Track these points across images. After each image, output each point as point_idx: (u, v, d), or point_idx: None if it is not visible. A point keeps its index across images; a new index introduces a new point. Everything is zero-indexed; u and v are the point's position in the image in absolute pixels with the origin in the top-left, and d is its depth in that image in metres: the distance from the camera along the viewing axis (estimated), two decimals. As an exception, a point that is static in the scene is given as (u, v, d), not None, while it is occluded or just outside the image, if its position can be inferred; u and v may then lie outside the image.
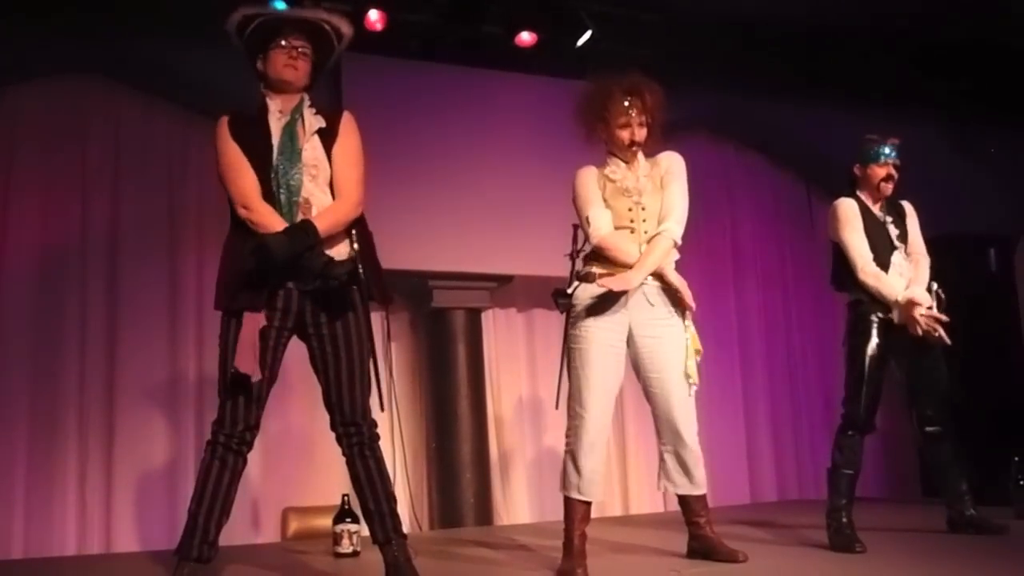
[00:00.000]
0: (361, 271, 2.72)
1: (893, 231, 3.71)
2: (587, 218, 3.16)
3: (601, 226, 3.13)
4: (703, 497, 3.24)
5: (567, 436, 3.10)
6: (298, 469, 5.22)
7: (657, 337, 3.13)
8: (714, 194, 6.40)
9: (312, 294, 2.72)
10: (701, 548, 3.23)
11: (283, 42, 2.79)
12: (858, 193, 3.75)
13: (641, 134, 3.18)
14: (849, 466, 3.55)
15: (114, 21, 4.88)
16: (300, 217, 2.70)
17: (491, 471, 5.60)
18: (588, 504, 3.08)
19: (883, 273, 3.59)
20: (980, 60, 6.15)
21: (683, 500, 3.24)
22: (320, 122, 2.81)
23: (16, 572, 4.02)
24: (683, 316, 3.18)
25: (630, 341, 3.15)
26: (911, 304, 3.48)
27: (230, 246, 2.78)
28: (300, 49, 2.80)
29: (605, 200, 3.17)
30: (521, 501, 5.78)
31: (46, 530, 4.78)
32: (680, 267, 3.26)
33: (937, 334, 3.48)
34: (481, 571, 3.39)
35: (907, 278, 3.63)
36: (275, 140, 2.75)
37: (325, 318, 2.74)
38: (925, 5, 5.50)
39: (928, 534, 3.74)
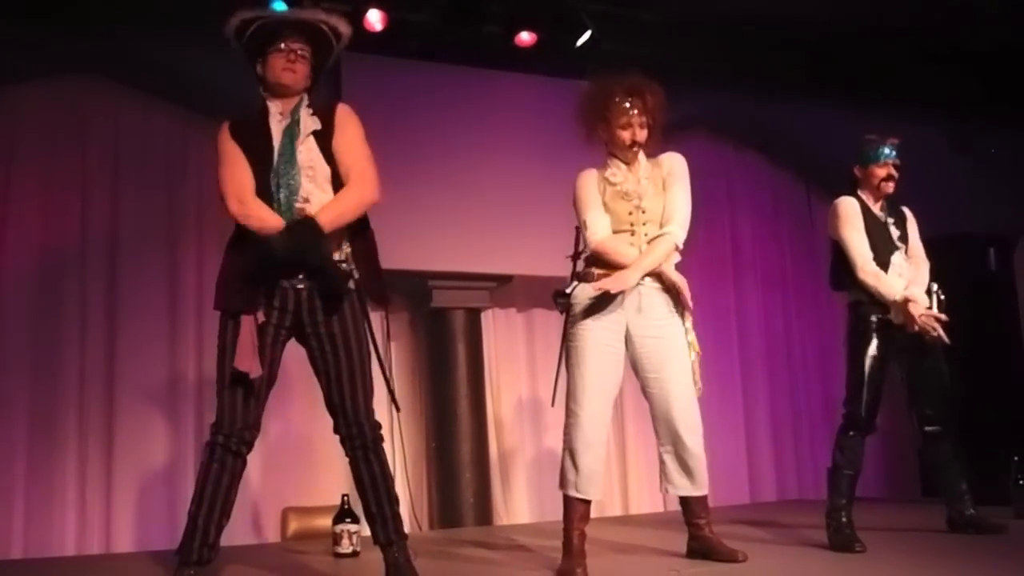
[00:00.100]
0: (354, 271, 2.72)
1: (894, 232, 3.71)
2: (585, 222, 3.17)
3: (598, 230, 3.14)
4: (704, 498, 3.23)
5: (564, 434, 3.11)
6: (298, 469, 5.23)
7: (655, 337, 3.13)
8: (714, 194, 6.40)
9: (309, 293, 2.72)
10: (701, 548, 3.23)
11: (281, 45, 2.79)
12: (859, 193, 3.75)
13: (642, 135, 3.18)
14: (850, 467, 3.55)
15: (114, 21, 4.88)
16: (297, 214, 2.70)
17: (491, 471, 5.60)
18: (587, 503, 3.07)
19: (883, 272, 3.59)
20: (980, 60, 6.15)
21: (684, 501, 3.24)
22: (316, 124, 2.80)
23: (16, 572, 4.01)
24: (683, 317, 3.18)
25: (628, 342, 3.15)
26: (908, 303, 3.49)
27: (231, 247, 2.78)
28: (298, 52, 2.80)
29: (605, 204, 3.18)
30: (521, 501, 5.78)
31: (46, 530, 4.78)
32: (680, 267, 3.25)
33: (936, 334, 3.48)
34: (481, 571, 3.39)
35: (906, 279, 3.63)
36: (276, 143, 2.75)
37: (323, 318, 2.73)
38: (925, 5, 5.50)
39: (928, 534, 3.74)
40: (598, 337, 3.09)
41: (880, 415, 3.61)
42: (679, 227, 3.15)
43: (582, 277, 3.15)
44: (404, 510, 2.85)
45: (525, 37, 5.62)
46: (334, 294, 2.71)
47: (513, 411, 5.91)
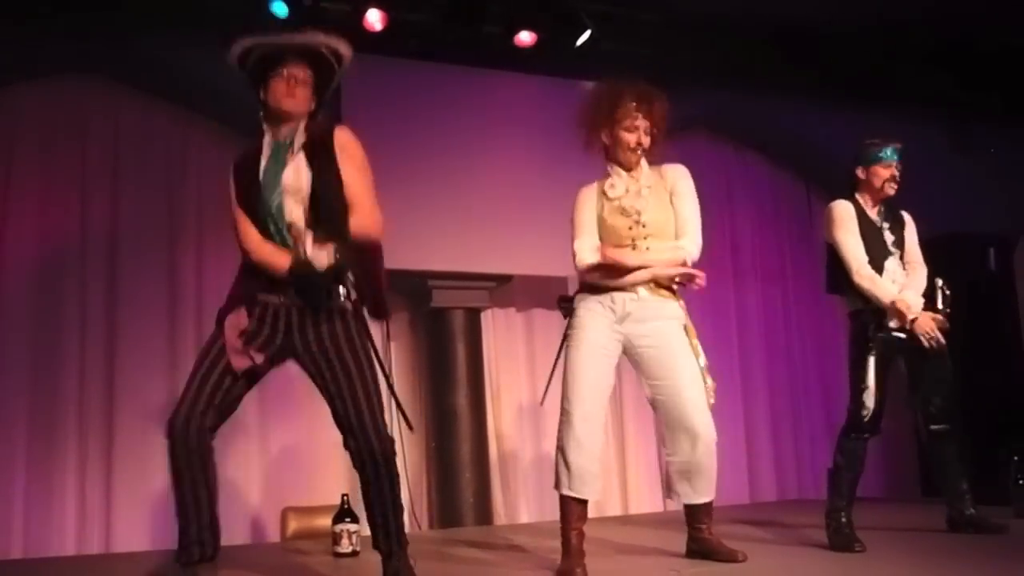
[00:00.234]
0: (352, 292, 2.70)
1: (889, 237, 3.70)
2: (573, 250, 3.20)
3: (585, 257, 3.15)
4: (710, 503, 3.21)
5: (558, 434, 3.12)
6: (298, 469, 5.23)
7: (655, 347, 3.13)
8: (714, 194, 6.39)
9: (299, 310, 2.69)
10: (700, 549, 3.22)
11: (283, 72, 2.76)
12: (856, 196, 3.74)
13: (646, 140, 3.18)
14: (851, 468, 3.54)
15: (114, 21, 4.88)
16: (292, 241, 2.67)
17: (490, 471, 5.60)
18: (582, 502, 3.07)
19: (878, 276, 3.59)
20: (980, 60, 6.15)
21: (690, 507, 3.22)
22: (304, 144, 2.75)
23: (16, 572, 4.01)
24: (683, 327, 3.18)
25: (629, 352, 3.16)
26: (900, 304, 3.49)
27: (241, 268, 2.80)
28: (298, 77, 2.76)
29: (604, 219, 3.17)
30: (520, 501, 5.78)
31: (46, 530, 4.79)
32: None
33: (932, 341, 3.49)
34: (480, 571, 3.38)
35: (900, 284, 3.63)
36: (263, 166, 2.74)
37: (313, 335, 2.69)
38: (925, 5, 5.50)
39: (928, 534, 3.74)
40: (594, 339, 3.11)
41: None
42: (692, 244, 3.15)
43: (586, 287, 3.18)
44: (404, 511, 2.84)
45: (525, 37, 5.61)
46: (318, 308, 2.67)
47: (513, 411, 5.91)
